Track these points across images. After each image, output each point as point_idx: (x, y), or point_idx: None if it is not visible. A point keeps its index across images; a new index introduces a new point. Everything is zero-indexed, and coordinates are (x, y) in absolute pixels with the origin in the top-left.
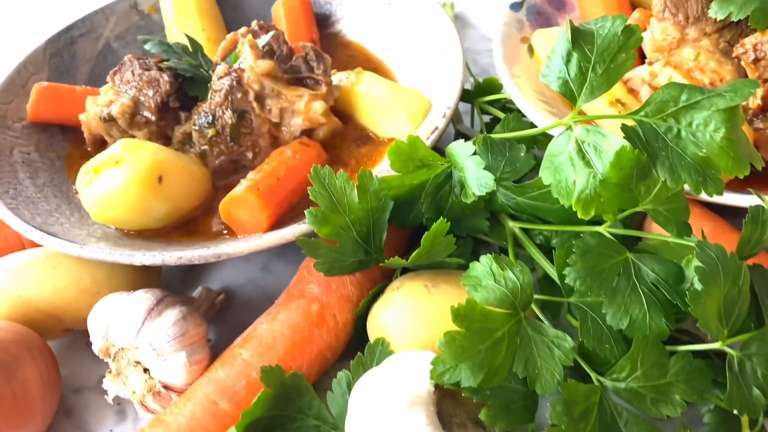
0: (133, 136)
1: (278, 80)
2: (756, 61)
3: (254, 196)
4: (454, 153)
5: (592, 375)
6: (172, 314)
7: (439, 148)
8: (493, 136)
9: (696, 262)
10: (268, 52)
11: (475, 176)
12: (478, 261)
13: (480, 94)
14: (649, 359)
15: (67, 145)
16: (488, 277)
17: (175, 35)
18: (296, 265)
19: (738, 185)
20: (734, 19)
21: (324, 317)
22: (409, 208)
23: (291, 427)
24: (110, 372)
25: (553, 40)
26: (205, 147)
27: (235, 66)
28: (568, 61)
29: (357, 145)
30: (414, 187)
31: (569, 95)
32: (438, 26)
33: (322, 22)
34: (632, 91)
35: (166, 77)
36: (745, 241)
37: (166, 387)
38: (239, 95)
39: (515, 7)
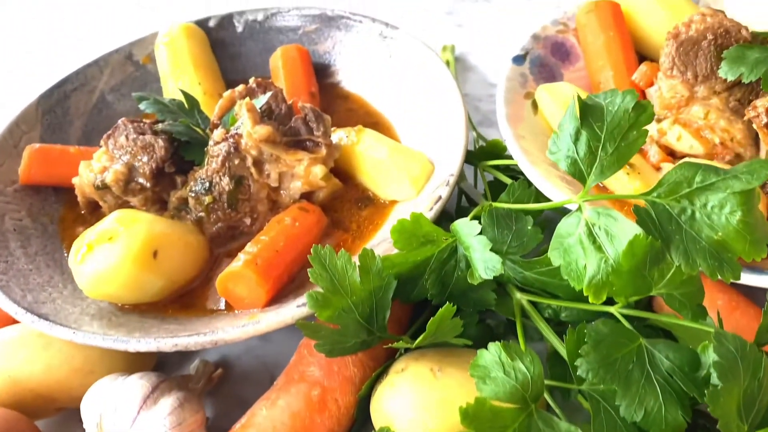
0: (128, 202)
1: (277, 145)
2: None
3: (252, 271)
4: (460, 231)
5: None
6: (168, 402)
7: (445, 211)
8: (498, 205)
9: (714, 356)
10: (267, 113)
11: (482, 258)
12: (487, 349)
13: (484, 157)
14: None
15: (60, 207)
16: (497, 367)
17: (170, 88)
18: (296, 333)
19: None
20: (745, 80)
21: (325, 402)
22: (413, 284)
23: None
24: None
25: (557, 96)
26: (202, 214)
27: (232, 131)
28: (576, 140)
29: (358, 207)
30: (418, 263)
31: (578, 175)
32: (440, 83)
33: (322, 72)
34: (640, 150)
35: (161, 142)
36: (764, 329)
37: None
38: (237, 161)
39: (518, 60)
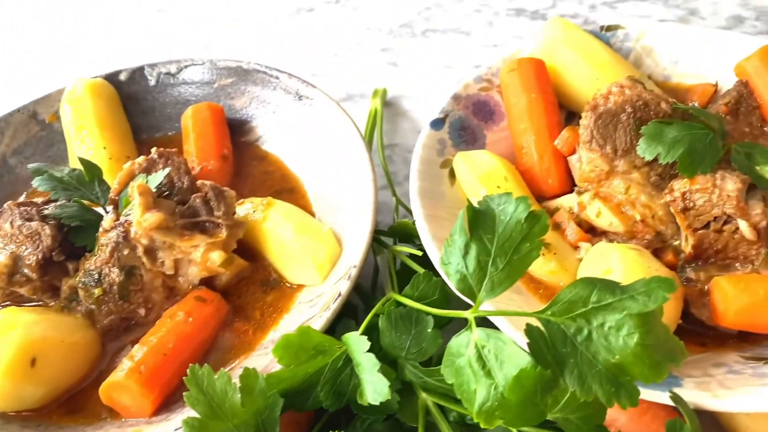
0: (15, 294)
1: (170, 231)
2: (685, 210)
3: (134, 381)
4: (350, 345)
5: None
6: None
7: (359, 285)
8: (400, 298)
9: None
10: (168, 186)
11: (371, 380)
12: None
13: (397, 235)
14: None
15: None
16: None
17: (76, 149)
18: None
19: (692, 342)
20: (662, 161)
21: None
22: (306, 395)
23: None
24: None
25: (475, 166)
26: (93, 307)
27: (123, 217)
28: (465, 254)
29: (263, 291)
30: (310, 375)
31: (468, 292)
32: (354, 155)
33: (239, 128)
34: (558, 227)
35: (48, 230)
36: None
37: None
38: (126, 251)
39: (437, 124)
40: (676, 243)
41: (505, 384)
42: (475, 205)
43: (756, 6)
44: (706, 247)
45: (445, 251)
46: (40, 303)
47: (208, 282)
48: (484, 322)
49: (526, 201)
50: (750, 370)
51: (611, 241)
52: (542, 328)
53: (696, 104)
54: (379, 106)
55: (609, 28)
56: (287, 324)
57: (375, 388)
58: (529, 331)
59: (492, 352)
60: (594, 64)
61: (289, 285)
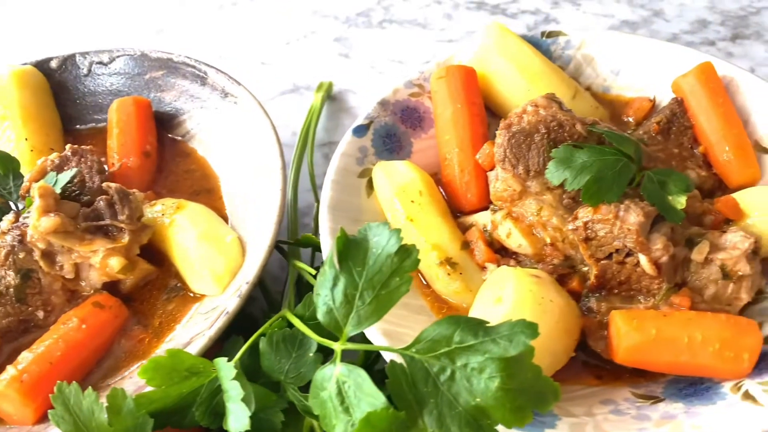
0: None
1: (69, 235)
2: (587, 239)
3: (14, 390)
4: (219, 371)
5: None
6: None
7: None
8: (291, 317)
9: None
10: (79, 185)
11: (233, 409)
12: None
13: (304, 247)
14: None
15: None
16: None
17: (0, 138)
18: None
19: (589, 375)
20: (568, 188)
21: None
22: (183, 414)
23: None
24: None
25: (393, 178)
26: None
27: (21, 219)
28: (333, 286)
29: (167, 298)
30: (185, 395)
31: (333, 326)
32: (269, 163)
33: (167, 123)
34: (467, 246)
35: None
36: None
37: None
38: (22, 255)
39: (360, 130)
40: (585, 269)
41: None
42: (354, 233)
43: (722, 10)
44: (609, 278)
45: (318, 282)
46: None
47: (113, 285)
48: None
49: (398, 234)
50: (634, 410)
51: (520, 262)
52: (405, 365)
53: (631, 119)
54: (319, 101)
55: (550, 35)
56: (181, 335)
57: (236, 417)
58: (392, 367)
59: (352, 388)
60: (526, 74)
61: (192, 294)
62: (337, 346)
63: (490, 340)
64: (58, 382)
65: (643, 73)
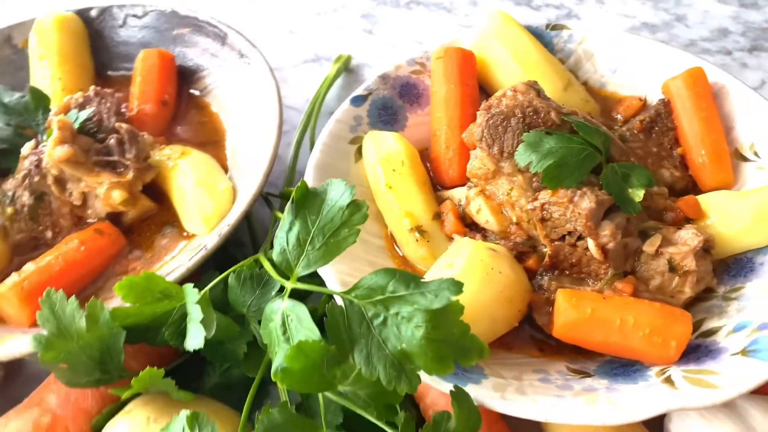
0: None
1: (80, 165)
2: (543, 220)
3: (14, 294)
4: (186, 294)
5: None
6: None
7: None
8: (263, 260)
9: None
10: (96, 124)
11: (192, 329)
12: (184, 419)
13: (287, 200)
14: None
15: None
16: None
17: (35, 77)
18: None
19: (532, 347)
20: (532, 170)
21: (54, 429)
22: (155, 332)
23: None
24: None
25: (380, 147)
26: (6, 224)
27: (40, 147)
28: (289, 229)
29: (162, 234)
30: (157, 315)
31: (285, 266)
32: (269, 125)
33: (189, 77)
34: (438, 216)
35: None
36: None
37: None
38: (37, 178)
39: (357, 100)
40: (544, 250)
41: None
42: (315, 186)
43: (746, 21)
44: (561, 259)
45: (280, 227)
46: None
47: (116, 217)
48: None
49: (351, 189)
50: (561, 381)
51: (486, 237)
52: (344, 307)
53: (620, 116)
54: (334, 72)
55: (554, 27)
56: (170, 267)
57: (194, 336)
58: (331, 308)
59: (294, 321)
60: (522, 62)
61: (184, 233)
62: (288, 284)
63: (419, 292)
64: (48, 288)
65: (639, 72)
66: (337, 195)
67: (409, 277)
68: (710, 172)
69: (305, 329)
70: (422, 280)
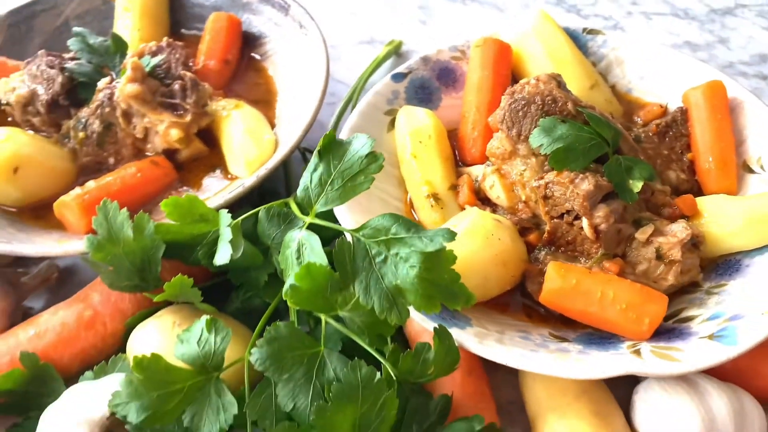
0: (30, 121)
1: (145, 102)
2: (545, 197)
3: (76, 204)
4: (220, 218)
5: None
6: None
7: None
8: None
9: (335, 378)
10: (166, 69)
11: (221, 247)
12: (203, 323)
13: None
14: None
15: None
16: (195, 336)
17: (118, 26)
18: None
19: (521, 312)
20: (542, 152)
21: (93, 324)
22: (190, 251)
23: (40, 402)
24: None
25: (412, 121)
26: (77, 146)
27: (114, 82)
28: (314, 170)
29: (209, 174)
30: (195, 235)
31: (306, 202)
32: (313, 91)
33: (252, 41)
34: (455, 188)
35: (60, 79)
36: (406, 371)
37: None
38: (108, 109)
39: (398, 77)
40: (545, 228)
41: None
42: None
43: None
44: (559, 236)
45: (307, 169)
46: (46, 134)
47: (171, 153)
48: None
49: (372, 143)
50: (540, 341)
51: (495, 212)
52: (352, 243)
53: (640, 119)
54: (384, 54)
55: (591, 32)
56: (212, 203)
57: (222, 254)
58: (341, 242)
59: (308, 249)
60: (554, 58)
61: (229, 175)
62: (307, 219)
63: (417, 236)
64: (105, 198)
65: (665, 82)
66: (359, 146)
67: (410, 223)
68: (714, 178)
69: (316, 256)
70: (420, 227)
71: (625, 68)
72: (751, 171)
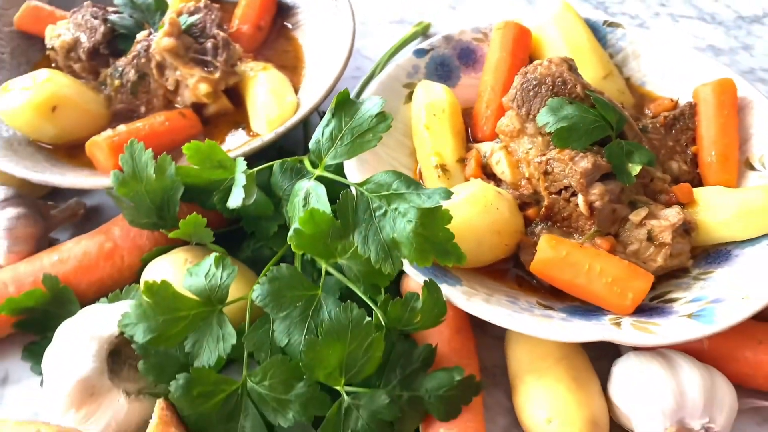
0: (71, 67)
1: (179, 57)
2: (545, 173)
3: (106, 144)
4: (236, 165)
5: (244, 371)
6: (12, 211)
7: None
8: (305, 160)
9: (327, 317)
10: (201, 28)
11: (235, 191)
12: (212, 259)
13: None
14: (279, 375)
15: (39, 55)
16: (204, 270)
17: None
18: None
19: (512, 281)
20: (547, 130)
21: (112, 255)
22: (207, 196)
23: (57, 323)
24: None
25: (428, 95)
26: (112, 93)
27: (151, 36)
28: (326, 125)
29: (232, 131)
30: (212, 180)
31: (317, 154)
32: (336, 61)
33: (285, 12)
34: (462, 161)
35: (102, 29)
36: (395, 318)
37: None
38: (143, 60)
39: (420, 53)
40: (544, 204)
41: None
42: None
43: None
44: (555, 211)
45: (320, 124)
46: (84, 80)
47: (198, 108)
48: None
49: (382, 103)
50: (526, 305)
51: (499, 186)
52: (355, 195)
53: (650, 111)
54: (411, 34)
55: (611, 24)
56: (232, 155)
57: (235, 197)
58: (345, 194)
59: (314, 197)
60: (571, 46)
61: (251, 132)
62: (317, 171)
63: (416, 193)
64: (132, 138)
65: (678, 77)
66: (370, 105)
67: (411, 180)
68: (715, 171)
69: (321, 204)
70: (418, 184)
71: (641, 62)
72: (753, 168)
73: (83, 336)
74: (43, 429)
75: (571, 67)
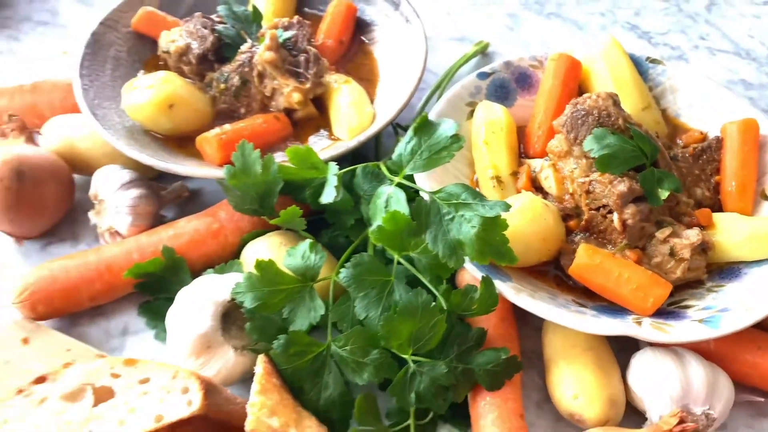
0: (181, 68)
1: (277, 68)
2: (587, 192)
3: (215, 140)
4: (329, 166)
5: (329, 337)
6: (135, 192)
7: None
8: (382, 165)
9: (403, 301)
10: (294, 42)
11: (327, 190)
12: (307, 244)
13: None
14: (358, 342)
15: (149, 54)
16: (300, 253)
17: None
18: None
19: (551, 280)
20: (591, 155)
21: (218, 234)
22: (300, 191)
23: (170, 288)
24: (94, 209)
25: (488, 114)
26: (217, 95)
27: (254, 48)
28: (408, 141)
29: (316, 134)
30: (306, 179)
31: (398, 165)
32: (411, 78)
33: (364, 28)
34: (515, 174)
35: (211, 38)
36: (455, 304)
37: (116, 232)
38: (246, 69)
39: (482, 75)
40: (584, 217)
41: None
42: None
43: None
44: (593, 225)
45: (402, 139)
46: (191, 81)
47: (289, 112)
48: None
49: (457, 126)
50: (563, 302)
51: (545, 198)
52: (428, 202)
53: (681, 142)
54: (471, 52)
55: (653, 61)
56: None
57: (327, 195)
58: (419, 200)
59: (394, 201)
60: (616, 80)
61: (332, 137)
62: (396, 179)
63: (480, 203)
64: (243, 140)
65: (710, 112)
66: (446, 127)
67: (476, 192)
68: (733, 200)
69: (401, 207)
70: (483, 196)
71: (677, 96)
72: (767, 199)
73: (203, 300)
74: (180, 371)
75: (615, 102)
